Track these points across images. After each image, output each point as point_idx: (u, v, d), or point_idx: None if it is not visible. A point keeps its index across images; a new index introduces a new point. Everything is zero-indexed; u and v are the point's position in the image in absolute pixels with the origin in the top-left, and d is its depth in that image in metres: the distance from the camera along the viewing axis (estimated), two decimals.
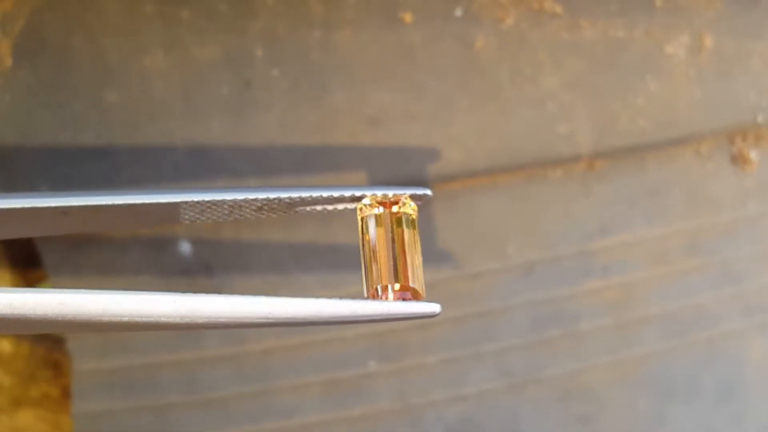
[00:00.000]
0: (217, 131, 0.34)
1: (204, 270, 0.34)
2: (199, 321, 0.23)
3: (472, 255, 0.35)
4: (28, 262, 0.35)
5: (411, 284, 0.25)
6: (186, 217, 0.26)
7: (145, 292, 0.23)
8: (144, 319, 0.23)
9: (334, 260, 0.35)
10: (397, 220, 0.26)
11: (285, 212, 0.27)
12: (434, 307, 0.25)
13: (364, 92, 0.34)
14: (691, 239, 0.36)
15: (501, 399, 0.35)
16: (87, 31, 0.33)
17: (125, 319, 0.23)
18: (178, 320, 0.23)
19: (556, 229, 0.35)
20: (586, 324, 0.36)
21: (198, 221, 0.27)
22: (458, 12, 0.34)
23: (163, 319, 0.23)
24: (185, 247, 0.34)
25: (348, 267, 0.35)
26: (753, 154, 0.36)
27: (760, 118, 0.36)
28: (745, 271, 0.36)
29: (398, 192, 0.26)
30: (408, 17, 0.34)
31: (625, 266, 0.36)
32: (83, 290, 0.22)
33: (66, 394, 0.36)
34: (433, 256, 0.35)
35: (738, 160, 0.36)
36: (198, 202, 0.25)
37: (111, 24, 0.33)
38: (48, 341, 0.36)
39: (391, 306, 0.25)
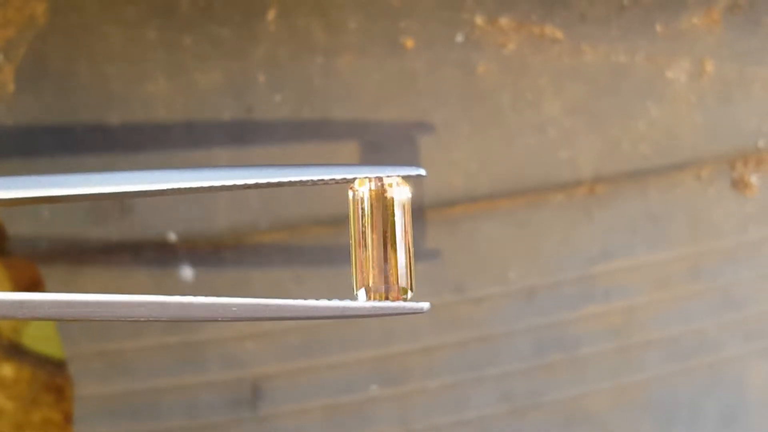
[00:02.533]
0: (219, 157, 0.34)
1: (206, 295, 0.34)
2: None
3: (473, 280, 0.35)
4: (29, 286, 0.35)
5: (400, 276, 0.24)
6: (173, 194, 0.26)
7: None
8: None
9: (335, 284, 0.35)
10: (389, 204, 0.25)
11: (276, 185, 0.26)
12: (422, 305, 0.24)
13: (366, 118, 0.34)
14: (693, 264, 0.36)
15: (503, 424, 0.35)
16: (90, 56, 0.33)
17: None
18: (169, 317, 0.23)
19: (557, 254, 0.35)
20: (587, 349, 0.36)
21: (183, 194, 0.26)
22: (459, 38, 0.34)
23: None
24: (187, 272, 0.35)
25: (350, 290, 0.35)
26: (754, 179, 0.36)
27: (761, 143, 0.36)
28: (747, 296, 0.36)
29: (390, 172, 0.25)
30: (409, 43, 0.34)
31: (627, 291, 0.36)
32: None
33: (68, 419, 0.36)
34: (434, 280, 0.35)
35: (739, 185, 0.36)
36: (187, 189, 0.25)
37: (113, 50, 0.33)
38: (50, 366, 0.36)
39: (379, 304, 0.24)
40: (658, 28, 0.34)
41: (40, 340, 0.37)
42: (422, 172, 0.26)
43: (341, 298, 0.25)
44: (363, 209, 0.25)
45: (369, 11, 0.33)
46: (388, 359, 0.35)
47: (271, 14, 0.33)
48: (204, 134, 0.34)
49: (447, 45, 0.34)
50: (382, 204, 0.25)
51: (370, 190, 0.25)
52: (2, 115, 0.33)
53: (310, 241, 0.35)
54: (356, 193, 0.25)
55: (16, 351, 0.36)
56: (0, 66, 0.33)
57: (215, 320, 0.25)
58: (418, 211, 0.35)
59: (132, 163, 0.34)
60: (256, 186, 0.26)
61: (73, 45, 0.33)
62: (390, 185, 0.25)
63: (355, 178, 0.25)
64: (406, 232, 0.25)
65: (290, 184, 0.25)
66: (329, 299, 0.25)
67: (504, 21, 0.34)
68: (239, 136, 0.34)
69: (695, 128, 0.35)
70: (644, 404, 0.36)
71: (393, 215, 0.25)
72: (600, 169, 0.35)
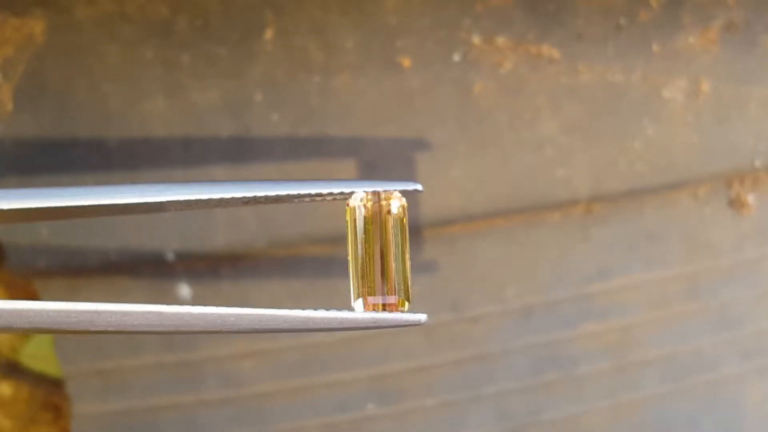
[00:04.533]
0: (217, 176, 0.34)
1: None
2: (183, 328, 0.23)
3: (470, 298, 0.35)
4: None
5: (398, 289, 0.24)
6: (171, 208, 0.26)
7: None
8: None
9: (332, 302, 0.35)
10: (386, 217, 0.25)
11: (273, 202, 0.26)
12: (420, 317, 0.24)
13: (363, 137, 0.34)
14: (690, 283, 0.36)
15: None
16: (88, 75, 0.33)
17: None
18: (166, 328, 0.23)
19: (554, 273, 0.35)
20: (584, 367, 0.36)
21: (183, 210, 0.26)
22: (456, 57, 0.34)
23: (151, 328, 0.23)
24: (184, 290, 0.35)
25: (347, 306, 0.35)
26: (750, 198, 0.36)
27: (757, 163, 0.36)
28: (744, 315, 0.36)
29: (387, 188, 0.25)
30: (406, 62, 0.34)
31: (624, 310, 0.36)
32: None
33: None
34: (431, 298, 0.35)
35: (735, 204, 0.36)
36: (184, 202, 0.25)
37: (111, 69, 0.33)
38: (48, 384, 0.36)
39: (376, 315, 0.24)
40: (655, 47, 0.35)
41: (37, 358, 0.37)
42: (419, 187, 0.26)
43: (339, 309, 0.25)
44: (360, 224, 0.25)
45: (366, 30, 0.33)
46: (385, 378, 0.35)
47: (269, 33, 0.33)
48: (201, 152, 0.34)
49: (444, 64, 0.34)
50: (380, 218, 0.25)
51: (367, 204, 0.25)
52: (0, 133, 0.33)
53: (306, 260, 0.35)
54: (353, 207, 0.25)
55: (14, 370, 0.36)
56: None
57: (213, 331, 0.25)
58: (415, 230, 0.35)
59: (130, 181, 0.34)
60: (254, 200, 0.26)
61: (71, 64, 0.33)
62: (387, 199, 0.25)
63: (352, 193, 0.25)
64: (403, 245, 0.25)
65: (288, 198, 0.25)
66: (327, 309, 0.24)
67: (501, 40, 0.34)
68: (237, 155, 0.34)
69: (692, 147, 0.35)
70: (641, 423, 0.36)
71: (390, 229, 0.25)
72: (597, 188, 0.35)
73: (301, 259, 0.35)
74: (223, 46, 0.33)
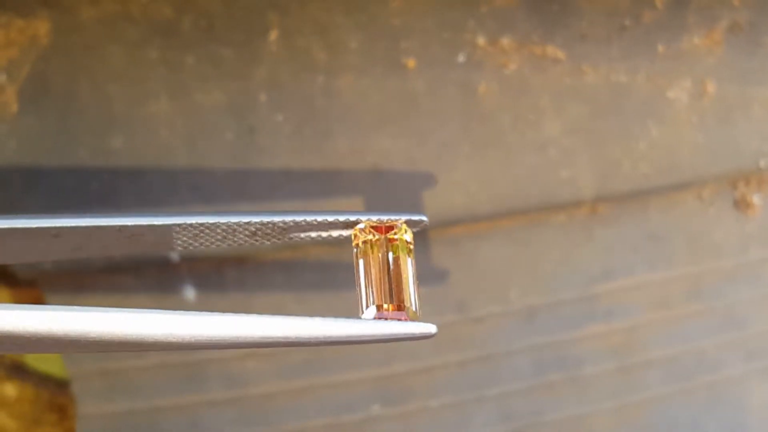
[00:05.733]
0: (221, 177, 0.34)
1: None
2: (192, 341, 0.23)
3: (474, 299, 0.35)
4: None
5: (408, 308, 0.25)
6: (179, 242, 0.26)
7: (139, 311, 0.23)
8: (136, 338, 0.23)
9: (336, 304, 0.35)
10: (393, 247, 0.25)
11: (279, 239, 0.26)
12: (430, 327, 0.24)
13: (367, 138, 0.34)
14: (694, 284, 0.36)
15: None
16: (92, 77, 0.33)
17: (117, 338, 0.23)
18: (170, 340, 0.23)
19: (558, 274, 0.35)
20: (588, 368, 0.36)
21: (191, 247, 0.26)
22: (461, 58, 0.34)
23: (156, 339, 0.23)
24: (189, 293, 0.35)
25: (352, 311, 0.35)
26: (755, 199, 0.36)
27: (762, 164, 0.36)
28: (748, 317, 0.36)
29: (393, 218, 0.26)
30: (411, 63, 0.34)
31: (628, 311, 0.36)
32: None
33: None
34: (435, 300, 0.35)
35: (740, 205, 0.36)
36: (191, 225, 0.25)
37: (116, 70, 0.33)
38: (53, 385, 0.36)
39: (386, 325, 0.24)
40: (660, 48, 0.35)
41: (42, 359, 0.37)
42: (424, 218, 0.26)
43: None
44: (367, 252, 0.25)
45: (370, 31, 0.33)
46: (390, 379, 0.35)
47: (273, 34, 0.33)
48: (206, 153, 0.34)
49: (448, 65, 0.34)
50: (386, 246, 0.25)
51: (374, 233, 0.25)
52: (5, 134, 0.33)
53: (312, 261, 0.35)
54: (360, 235, 0.25)
55: (18, 370, 0.37)
56: (3, 86, 0.33)
57: (218, 345, 0.24)
58: (420, 231, 0.35)
59: (134, 183, 0.34)
60: (262, 229, 0.26)
61: (76, 65, 0.33)
62: (393, 228, 0.25)
63: (359, 221, 0.25)
64: (410, 273, 0.25)
65: (294, 227, 0.26)
66: (336, 318, 0.24)
67: (505, 41, 0.34)
68: (241, 156, 0.34)
69: (696, 148, 0.35)
70: (645, 424, 0.36)
71: (399, 252, 0.25)
72: (601, 189, 0.35)
73: (307, 260, 0.35)
74: (228, 47, 0.33)
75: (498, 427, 0.36)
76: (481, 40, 0.34)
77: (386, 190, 0.34)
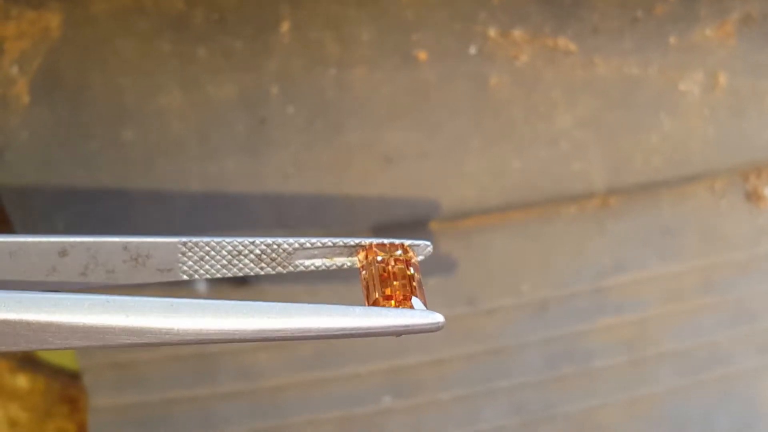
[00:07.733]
0: (233, 169, 0.34)
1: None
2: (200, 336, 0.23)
3: (485, 292, 0.35)
4: None
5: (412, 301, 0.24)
6: (185, 267, 0.26)
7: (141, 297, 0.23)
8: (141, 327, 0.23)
9: (348, 301, 0.35)
10: (399, 269, 0.25)
11: (284, 266, 0.26)
12: (437, 317, 0.24)
13: (379, 130, 0.34)
14: (706, 277, 0.36)
15: None
16: (104, 69, 0.33)
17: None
18: (176, 336, 0.23)
19: (570, 267, 0.35)
20: (599, 361, 0.36)
21: (197, 274, 0.26)
22: (472, 50, 0.34)
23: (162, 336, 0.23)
24: (200, 284, 0.35)
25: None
26: (767, 192, 0.36)
27: None
28: (760, 310, 0.36)
29: (397, 242, 0.26)
30: (422, 56, 0.34)
31: (639, 304, 0.36)
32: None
33: (82, 429, 0.36)
34: (446, 293, 0.35)
35: (752, 197, 0.36)
36: (196, 244, 0.25)
37: (128, 63, 0.33)
38: (64, 377, 0.36)
39: (393, 313, 0.24)
40: (672, 40, 0.34)
41: (54, 351, 0.37)
42: (429, 244, 0.26)
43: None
44: (374, 274, 0.25)
45: (382, 24, 0.33)
46: (401, 371, 0.35)
47: (285, 27, 0.33)
48: (217, 146, 0.34)
49: (460, 57, 0.34)
50: (392, 269, 0.25)
51: (381, 256, 0.25)
52: (17, 126, 0.33)
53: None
54: (367, 258, 0.25)
55: (30, 362, 0.37)
56: (15, 78, 0.33)
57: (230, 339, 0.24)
58: (431, 224, 0.35)
59: (145, 175, 0.34)
60: (268, 253, 0.26)
61: (87, 57, 0.33)
62: (398, 250, 0.25)
63: (363, 245, 0.25)
64: (418, 291, 0.25)
65: (299, 252, 0.26)
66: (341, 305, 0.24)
67: (517, 33, 0.34)
68: (253, 148, 0.34)
69: (708, 141, 0.35)
70: (656, 417, 0.36)
71: (404, 276, 0.25)
72: (612, 181, 0.35)
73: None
74: (239, 40, 0.33)
75: (509, 419, 0.36)
76: (492, 33, 0.34)
77: (397, 182, 0.34)
